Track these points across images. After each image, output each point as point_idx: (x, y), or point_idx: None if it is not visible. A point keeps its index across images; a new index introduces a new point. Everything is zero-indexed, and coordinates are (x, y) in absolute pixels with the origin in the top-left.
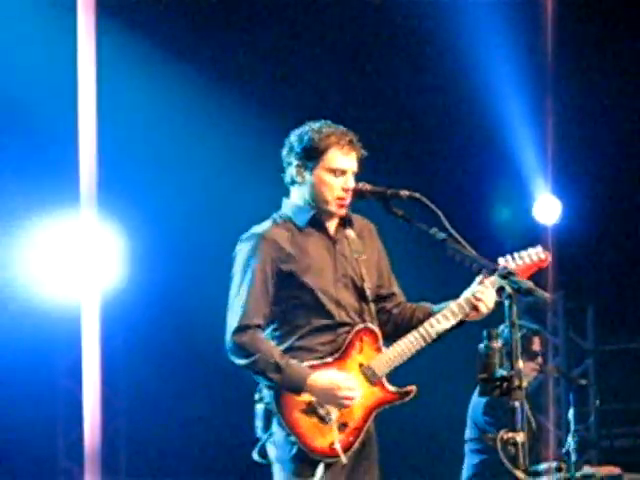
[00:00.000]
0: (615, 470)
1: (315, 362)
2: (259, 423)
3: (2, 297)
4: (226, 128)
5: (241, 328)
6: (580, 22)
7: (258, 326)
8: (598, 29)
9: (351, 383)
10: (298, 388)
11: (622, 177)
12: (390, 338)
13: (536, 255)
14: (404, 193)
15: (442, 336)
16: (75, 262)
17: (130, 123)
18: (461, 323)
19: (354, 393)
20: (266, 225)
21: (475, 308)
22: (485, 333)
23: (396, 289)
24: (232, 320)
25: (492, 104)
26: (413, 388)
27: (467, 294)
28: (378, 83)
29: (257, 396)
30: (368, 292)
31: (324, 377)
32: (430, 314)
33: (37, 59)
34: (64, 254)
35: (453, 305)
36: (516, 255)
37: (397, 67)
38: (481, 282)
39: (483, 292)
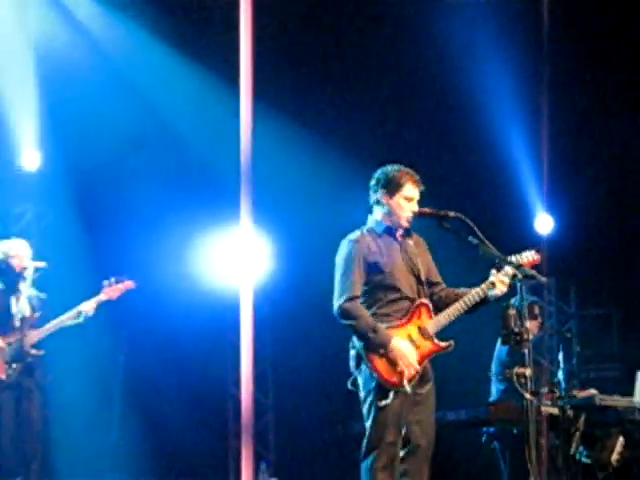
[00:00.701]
0: (591, 392)
1: (390, 324)
2: (352, 363)
3: (187, 285)
4: (335, 168)
5: (347, 299)
6: (574, 53)
7: (357, 297)
8: (591, 53)
9: (414, 357)
10: (384, 347)
11: (601, 200)
12: (437, 310)
13: (531, 255)
14: (451, 213)
15: (472, 308)
16: (236, 260)
17: (274, 166)
18: (484, 301)
19: (413, 365)
20: (357, 233)
21: (493, 286)
22: (505, 304)
23: (440, 279)
24: (340, 293)
25: (498, 142)
26: (451, 343)
27: (487, 281)
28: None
29: (350, 345)
30: (422, 278)
31: (401, 345)
32: (463, 294)
33: (205, 117)
34: (229, 255)
35: (479, 288)
36: (520, 255)
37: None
38: (499, 271)
39: (501, 280)
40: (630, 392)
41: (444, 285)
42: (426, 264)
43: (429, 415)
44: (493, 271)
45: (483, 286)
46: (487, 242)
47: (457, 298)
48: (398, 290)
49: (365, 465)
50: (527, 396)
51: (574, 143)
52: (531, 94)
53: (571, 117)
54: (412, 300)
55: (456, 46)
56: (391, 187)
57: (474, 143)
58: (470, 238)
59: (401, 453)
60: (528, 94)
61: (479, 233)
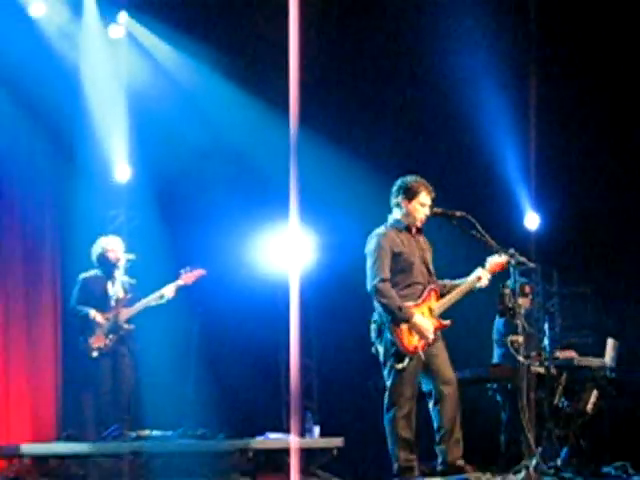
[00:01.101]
0: (571, 355)
1: (409, 304)
2: (373, 334)
3: (247, 271)
4: (366, 175)
5: (380, 280)
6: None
7: (388, 279)
8: (578, 57)
9: (431, 329)
10: (407, 321)
11: (579, 202)
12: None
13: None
14: (458, 213)
15: (469, 293)
16: (286, 251)
17: (318, 173)
18: (472, 290)
19: (431, 335)
20: (382, 229)
21: (479, 279)
22: (501, 284)
23: (433, 272)
24: (374, 276)
25: (493, 152)
26: (450, 322)
27: (474, 275)
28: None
29: (372, 319)
30: (430, 268)
31: (422, 320)
32: (457, 285)
33: (260, 134)
34: (281, 247)
35: (469, 281)
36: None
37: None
38: (498, 255)
39: (484, 275)
40: (601, 354)
41: (435, 276)
42: (429, 258)
43: (444, 361)
44: (479, 268)
45: (472, 279)
46: (487, 235)
47: (453, 288)
48: (414, 276)
49: (388, 417)
50: (520, 359)
51: (557, 153)
52: (520, 106)
53: (554, 135)
54: (423, 285)
55: (453, 63)
56: (409, 194)
57: (472, 154)
58: (473, 232)
59: (431, 403)
60: (518, 108)
61: (480, 228)
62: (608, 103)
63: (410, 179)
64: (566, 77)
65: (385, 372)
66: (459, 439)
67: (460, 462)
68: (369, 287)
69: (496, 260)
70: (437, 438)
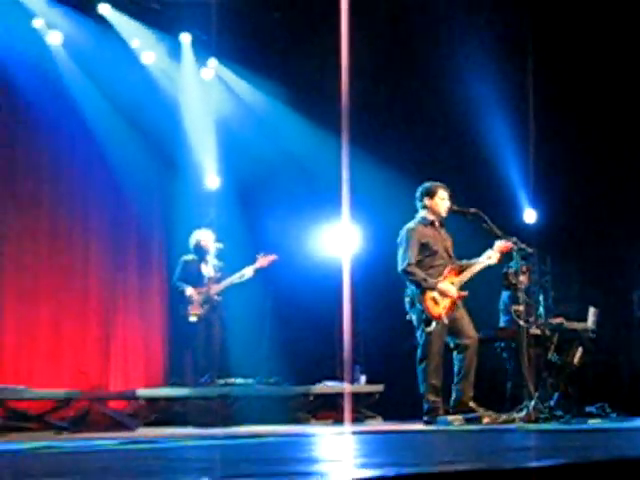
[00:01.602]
0: (561, 319)
1: (433, 280)
2: (407, 306)
3: (309, 257)
4: (400, 179)
5: (408, 264)
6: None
7: (414, 263)
8: (575, 75)
9: (454, 290)
10: (432, 288)
11: (569, 198)
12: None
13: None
14: (472, 210)
15: (482, 270)
16: (339, 242)
17: (364, 179)
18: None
19: (455, 294)
20: (412, 224)
21: (489, 259)
22: (506, 265)
23: (453, 256)
24: (403, 260)
25: (497, 158)
26: (466, 293)
27: (486, 255)
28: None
29: (405, 294)
30: (450, 253)
31: (444, 285)
32: (472, 264)
33: (318, 146)
34: (335, 238)
35: (482, 261)
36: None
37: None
38: (505, 240)
39: (494, 255)
40: (585, 320)
41: (455, 259)
42: (450, 246)
43: (467, 323)
44: (489, 249)
45: (483, 258)
46: (495, 227)
47: (469, 266)
48: (437, 260)
49: (420, 368)
50: (521, 323)
51: (550, 164)
52: (521, 128)
53: (548, 150)
54: (444, 266)
55: (466, 92)
56: (430, 193)
57: (482, 163)
58: (484, 225)
59: (455, 353)
60: (519, 129)
61: (489, 221)
62: (589, 126)
63: (427, 183)
64: (560, 103)
65: (417, 334)
66: (472, 383)
67: (472, 403)
68: (399, 269)
69: (501, 244)
70: (455, 380)
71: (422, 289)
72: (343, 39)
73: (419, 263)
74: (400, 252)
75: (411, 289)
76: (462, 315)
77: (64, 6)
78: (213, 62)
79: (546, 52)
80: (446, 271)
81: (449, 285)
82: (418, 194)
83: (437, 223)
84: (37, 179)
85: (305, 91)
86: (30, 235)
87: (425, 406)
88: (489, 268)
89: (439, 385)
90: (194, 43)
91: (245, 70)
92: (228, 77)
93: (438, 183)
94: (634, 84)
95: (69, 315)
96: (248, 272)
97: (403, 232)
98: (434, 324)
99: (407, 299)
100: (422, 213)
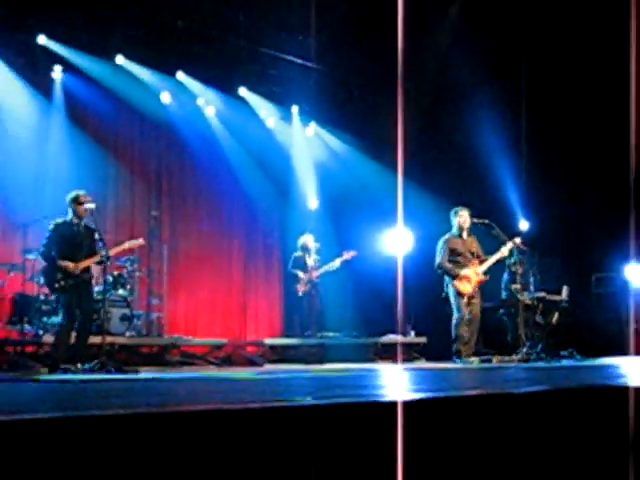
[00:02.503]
0: (543, 294)
1: (459, 271)
2: (445, 286)
3: (377, 255)
4: (435, 197)
5: (441, 261)
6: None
7: (442, 262)
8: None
9: (474, 273)
10: (457, 275)
11: (552, 211)
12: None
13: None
14: (485, 221)
15: (497, 262)
16: (395, 243)
17: (414, 193)
18: (498, 261)
19: (472, 276)
20: (447, 235)
21: (502, 254)
22: (507, 258)
23: (480, 254)
24: (437, 260)
25: (498, 178)
26: (487, 277)
27: (500, 252)
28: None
29: (444, 281)
30: (474, 253)
31: (464, 271)
32: (489, 258)
33: (380, 175)
34: (392, 240)
35: (497, 256)
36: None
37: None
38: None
39: (504, 252)
40: (560, 294)
41: (480, 255)
42: (475, 248)
43: (478, 305)
44: (502, 247)
45: (498, 255)
46: (502, 233)
47: (487, 259)
48: (462, 259)
49: (454, 323)
50: (518, 297)
51: (540, 187)
52: (517, 157)
53: (537, 175)
54: (466, 262)
55: (481, 137)
56: (456, 214)
57: (490, 185)
58: (493, 232)
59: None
60: (516, 159)
61: (498, 229)
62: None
63: (456, 208)
64: (548, 150)
65: (453, 306)
66: (476, 337)
67: (482, 350)
68: (435, 266)
69: (507, 246)
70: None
71: (453, 276)
72: (399, 105)
73: (450, 260)
74: (436, 254)
75: (447, 277)
76: (478, 296)
77: (216, 89)
78: (312, 124)
79: (537, 110)
80: (470, 264)
81: (469, 271)
82: (451, 213)
83: (464, 233)
84: (198, 202)
85: (373, 141)
86: (196, 237)
87: (453, 348)
88: (498, 261)
89: (465, 337)
90: (300, 112)
91: (333, 128)
92: (322, 133)
93: (460, 207)
94: (600, 128)
95: (220, 290)
96: (336, 263)
97: (440, 241)
98: (465, 298)
99: (445, 283)
100: (454, 228)
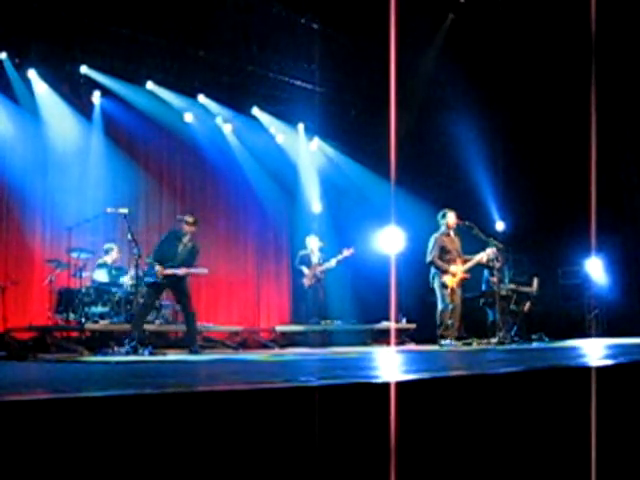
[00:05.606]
0: (517, 286)
1: (447, 266)
2: (431, 279)
3: (371, 253)
4: (428, 203)
5: (432, 257)
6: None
7: (433, 258)
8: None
9: (461, 269)
10: (446, 270)
11: (527, 213)
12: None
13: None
14: (467, 222)
15: (478, 263)
16: (388, 242)
17: (407, 197)
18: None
19: (458, 272)
20: (436, 234)
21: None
22: (489, 255)
23: (461, 253)
24: (430, 255)
25: (477, 187)
26: (469, 275)
27: (482, 254)
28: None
29: (430, 274)
30: (459, 252)
31: (452, 267)
32: (472, 258)
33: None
34: (386, 239)
35: (479, 257)
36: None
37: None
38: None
39: (487, 253)
40: (531, 286)
41: (462, 254)
42: (459, 246)
43: (459, 296)
44: (482, 253)
45: (478, 258)
46: (482, 233)
47: (469, 259)
48: (450, 256)
49: (439, 311)
50: (495, 288)
51: (514, 192)
52: (495, 169)
53: (512, 182)
54: (455, 259)
55: (464, 151)
56: (445, 215)
57: (472, 192)
58: (474, 232)
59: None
60: (494, 171)
61: (478, 230)
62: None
63: (444, 210)
64: (519, 162)
65: (437, 295)
66: (460, 323)
67: (464, 334)
68: (427, 261)
69: (487, 252)
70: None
71: (441, 271)
72: (391, 121)
73: (440, 257)
74: (428, 251)
75: (433, 271)
76: (459, 290)
77: (232, 110)
78: (316, 139)
79: (510, 127)
80: (457, 261)
81: (457, 268)
82: (439, 215)
83: (451, 232)
84: (217, 206)
85: (368, 153)
86: (215, 237)
87: (439, 335)
88: (478, 263)
89: (448, 323)
90: (305, 129)
91: (334, 142)
92: (324, 147)
93: (448, 209)
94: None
95: (236, 283)
96: (332, 263)
97: (431, 238)
98: (448, 290)
99: (431, 276)
100: (442, 227)
